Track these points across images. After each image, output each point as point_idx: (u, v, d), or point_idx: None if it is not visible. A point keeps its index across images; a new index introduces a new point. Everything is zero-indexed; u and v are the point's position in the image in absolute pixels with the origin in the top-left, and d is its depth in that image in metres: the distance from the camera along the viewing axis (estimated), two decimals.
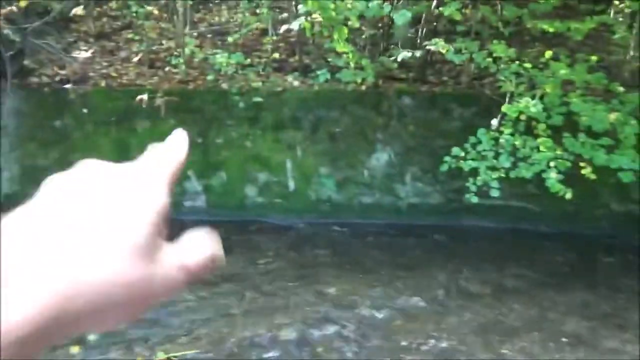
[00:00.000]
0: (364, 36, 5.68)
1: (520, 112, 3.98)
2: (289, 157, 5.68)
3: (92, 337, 3.28)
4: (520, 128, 4.24)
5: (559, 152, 4.08)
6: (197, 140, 5.66)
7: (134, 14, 6.13)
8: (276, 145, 5.66)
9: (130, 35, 6.51)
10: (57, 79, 5.47)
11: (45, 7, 5.56)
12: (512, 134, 4.20)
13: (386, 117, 5.61)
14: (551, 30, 4.84)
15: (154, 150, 0.35)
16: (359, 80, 5.00)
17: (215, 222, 4.30)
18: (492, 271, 4.47)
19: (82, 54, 5.07)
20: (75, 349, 3.09)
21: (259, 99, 5.53)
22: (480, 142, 4.32)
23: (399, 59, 4.61)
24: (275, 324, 3.48)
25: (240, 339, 3.29)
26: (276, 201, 5.73)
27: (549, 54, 4.32)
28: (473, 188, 4.32)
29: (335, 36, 3.91)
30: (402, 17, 3.78)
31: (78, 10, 4.09)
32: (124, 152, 5.62)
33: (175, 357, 3.06)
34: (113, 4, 6.91)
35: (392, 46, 5.74)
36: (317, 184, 5.70)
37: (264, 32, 6.54)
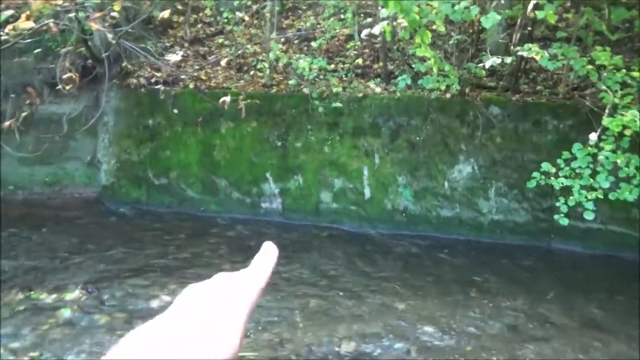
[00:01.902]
0: (451, 42, 5.43)
1: (625, 127, 3.54)
2: (366, 164, 5.57)
3: None
4: (623, 144, 3.77)
5: None
6: (277, 144, 5.74)
7: (226, 20, 6.38)
8: (354, 151, 5.58)
9: (221, 41, 6.80)
10: (153, 80, 5.83)
11: (146, 13, 5.96)
12: (613, 151, 3.74)
13: (472, 127, 5.31)
14: None
15: (253, 267, 0.45)
16: (443, 87, 4.76)
17: (289, 226, 4.33)
18: (581, 302, 4.02)
19: (174, 57, 5.35)
20: None
21: (338, 105, 5.49)
22: (575, 158, 3.90)
23: (487, 66, 4.32)
24: (336, 335, 3.39)
25: (299, 346, 3.24)
26: (350, 208, 5.64)
27: None
28: (564, 209, 3.90)
29: (418, 40, 3.74)
30: (490, 20, 3.52)
31: (166, 14, 4.31)
32: (208, 152, 5.86)
33: None
34: (208, 11, 7.26)
35: (482, 53, 5.42)
36: (393, 193, 5.53)
37: (350, 37, 6.51)
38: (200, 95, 5.76)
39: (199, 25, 7.25)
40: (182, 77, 5.93)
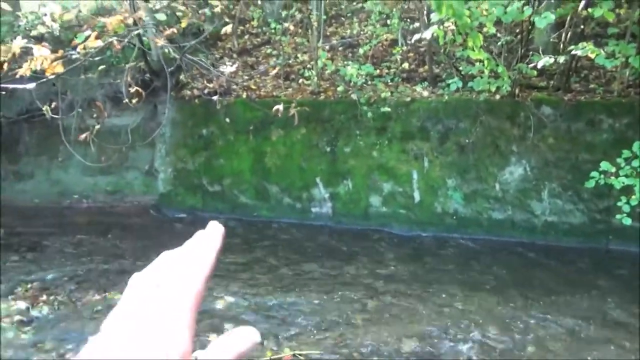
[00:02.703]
0: (499, 43, 5.42)
1: None
2: (415, 168, 5.61)
3: (227, 326, 3.57)
4: None
5: None
6: (326, 149, 5.87)
7: (272, 31, 6.58)
8: (403, 155, 5.64)
9: (268, 51, 7.00)
10: (206, 91, 6.08)
11: (198, 27, 6.24)
12: None
13: (522, 128, 5.27)
14: None
15: (196, 248, 0.42)
16: (493, 89, 4.76)
17: (340, 230, 4.45)
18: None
19: (228, 68, 5.57)
20: (212, 337, 3.39)
21: (387, 109, 5.56)
22: (636, 156, 3.84)
23: (539, 66, 4.30)
24: (397, 334, 3.45)
25: (361, 345, 3.32)
26: (400, 212, 5.69)
27: None
28: (626, 208, 3.84)
29: (470, 43, 3.78)
30: (544, 20, 3.52)
31: (228, 29, 4.52)
32: (259, 159, 6.05)
33: (300, 355, 3.19)
34: (254, 22, 7.50)
35: (532, 52, 5.38)
36: (443, 197, 5.54)
37: (394, 42, 6.58)
38: (252, 104, 5.96)
39: (246, 37, 7.49)
40: (234, 87, 6.15)
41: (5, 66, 4.07)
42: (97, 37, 4.27)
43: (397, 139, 5.63)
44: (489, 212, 5.43)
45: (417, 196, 5.64)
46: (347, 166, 5.81)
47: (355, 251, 5.14)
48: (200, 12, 5.63)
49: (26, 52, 4.37)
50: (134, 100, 4.21)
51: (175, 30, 4.68)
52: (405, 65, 6.27)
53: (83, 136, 4.00)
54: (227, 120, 6.06)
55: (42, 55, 3.93)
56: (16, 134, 6.59)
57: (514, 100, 5.29)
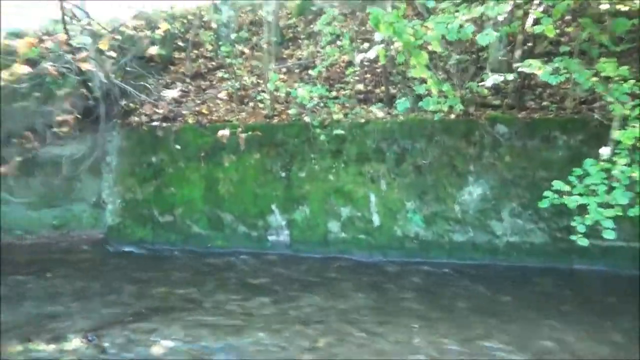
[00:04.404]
0: (451, 62, 5.33)
1: (638, 139, 3.36)
2: (372, 191, 5.42)
3: None
4: (638, 158, 3.58)
5: None
6: (281, 174, 5.65)
7: (225, 54, 6.40)
8: (359, 178, 5.45)
9: (222, 74, 6.80)
10: (154, 117, 5.82)
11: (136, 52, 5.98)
12: (628, 165, 3.55)
13: (479, 147, 5.16)
14: None
15: None
16: (445, 108, 4.64)
17: (298, 259, 4.18)
18: (611, 327, 3.76)
19: (171, 93, 5.34)
20: None
21: (340, 132, 5.40)
22: (588, 174, 3.71)
23: (488, 84, 4.19)
24: None
25: None
26: (360, 237, 5.47)
27: None
28: (581, 228, 3.67)
29: (413, 62, 3.65)
30: (485, 38, 3.42)
31: (153, 50, 4.32)
32: (212, 186, 5.79)
33: None
34: (209, 46, 7.31)
35: (485, 71, 5.31)
36: (403, 220, 5.36)
37: (350, 64, 6.46)
38: (201, 129, 5.72)
39: (200, 61, 7.29)
40: (183, 112, 5.91)
41: None
42: (26, 63, 4.02)
43: (353, 162, 5.46)
44: (449, 235, 5.26)
45: (376, 220, 5.44)
46: (302, 191, 5.60)
47: (313, 281, 4.88)
48: (141, 35, 5.42)
49: None
50: (64, 130, 3.93)
51: (113, 54, 4.43)
52: (361, 86, 6.14)
53: (2, 169, 3.70)
54: (177, 146, 5.80)
55: None
56: None
57: (468, 119, 5.19)
